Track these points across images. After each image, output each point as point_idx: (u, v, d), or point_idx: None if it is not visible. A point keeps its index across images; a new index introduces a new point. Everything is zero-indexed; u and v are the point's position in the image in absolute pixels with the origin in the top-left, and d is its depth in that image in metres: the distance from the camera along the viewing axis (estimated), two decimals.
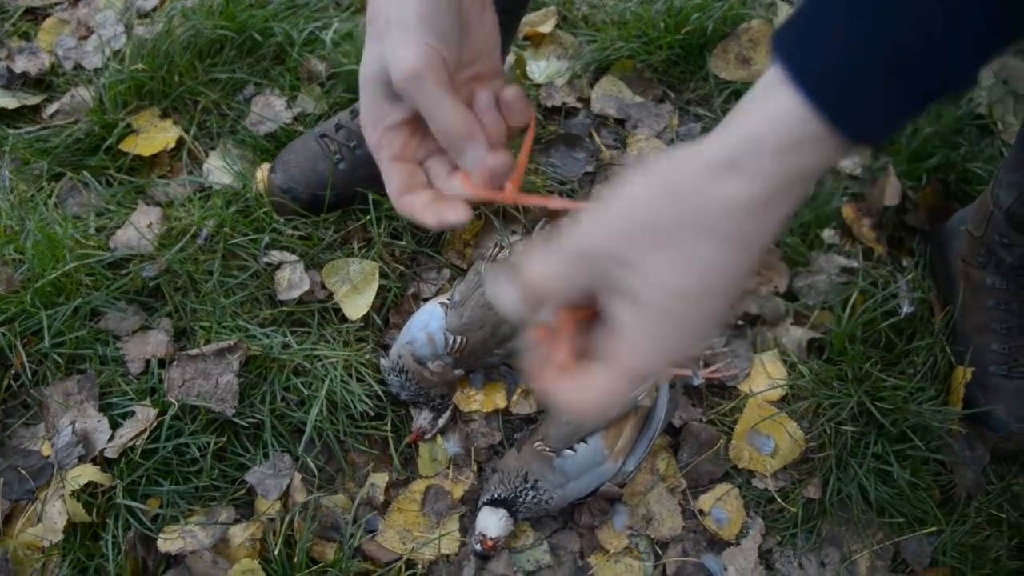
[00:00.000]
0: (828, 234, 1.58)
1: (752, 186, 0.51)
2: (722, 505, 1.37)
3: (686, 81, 1.86)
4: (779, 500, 1.35)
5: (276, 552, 1.20)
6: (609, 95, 1.82)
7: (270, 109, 1.67)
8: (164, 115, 1.66)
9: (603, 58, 1.84)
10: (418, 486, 1.34)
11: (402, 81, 0.64)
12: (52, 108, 1.67)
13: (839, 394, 1.38)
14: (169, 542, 1.19)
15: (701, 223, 0.52)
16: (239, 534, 1.23)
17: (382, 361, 1.37)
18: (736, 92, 1.81)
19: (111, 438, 1.26)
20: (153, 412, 1.26)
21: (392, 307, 1.48)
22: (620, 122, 1.79)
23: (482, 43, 0.71)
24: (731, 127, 0.52)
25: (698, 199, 0.52)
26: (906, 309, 1.49)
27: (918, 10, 0.46)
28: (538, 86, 1.79)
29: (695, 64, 1.85)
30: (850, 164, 1.71)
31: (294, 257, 1.45)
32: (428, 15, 0.64)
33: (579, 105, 1.80)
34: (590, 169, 1.70)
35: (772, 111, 0.50)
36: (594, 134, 1.76)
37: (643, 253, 0.53)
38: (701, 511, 1.36)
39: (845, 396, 1.37)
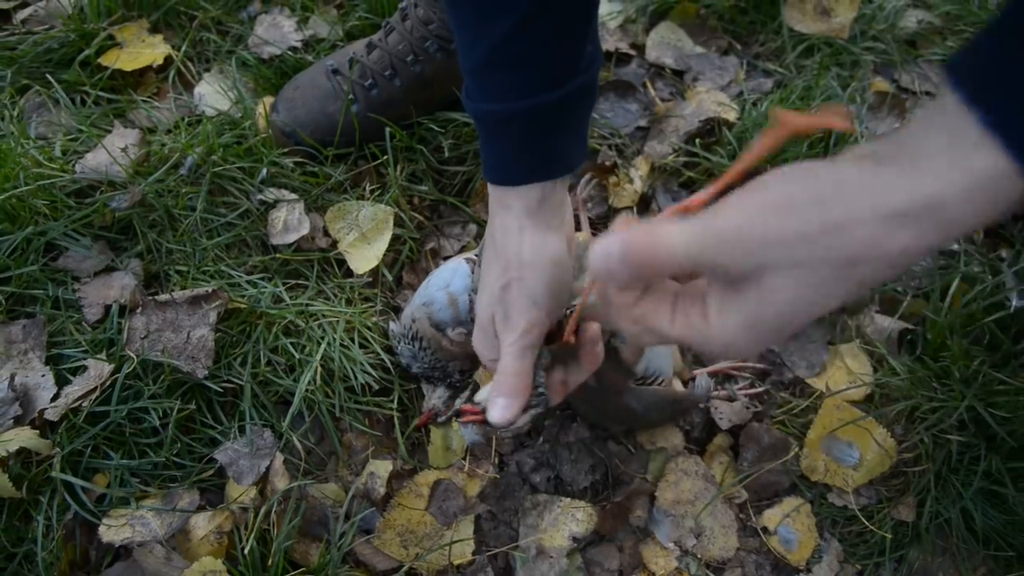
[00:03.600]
0: None
1: (920, 242, 0.49)
2: (791, 523, 1.13)
3: (755, 33, 1.62)
4: (863, 520, 1.11)
5: (246, 551, 0.96)
6: (667, 43, 1.58)
7: (277, 30, 1.44)
8: (154, 29, 1.43)
9: (661, 1, 1.60)
10: (426, 478, 1.10)
11: (507, 335, 0.78)
12: (25, 13, 1.43)
13: (942, 396, 1.14)
14: (113, 530, 0.95)
15: (849, 264, 0.50)
16: (202, 525, 0.99)
17: (392, 325, 1.13)
18: (812, 47, 1.57)
19: (55, 396, 1.03)
20: (108, 368, 1.02)
21: (407, 264, 1.24)
22: (678, 73, 1.55)
23: None
24: (913, 179, 0.48)
25: (862, 249, 0.49)
26: (1016, 303, 1.24)
27: None
28: None
29: (766, 13, 1.61)
30: None
31: (293, 196, 1.21)
32: (554, 285, 0.78)
33: (632, 52, 1.56)
34: (643, 123, 1.46)
35: (973, 177, 0.46)
36: (648, 84, 1.52)
37: (779, 271, 0.52)
38: (766, 529, 1.13)
39: (950, 399, 1.13)
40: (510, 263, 0.78)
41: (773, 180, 0.53)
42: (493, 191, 0.81)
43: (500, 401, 0.78)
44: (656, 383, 1.06)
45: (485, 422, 0.86)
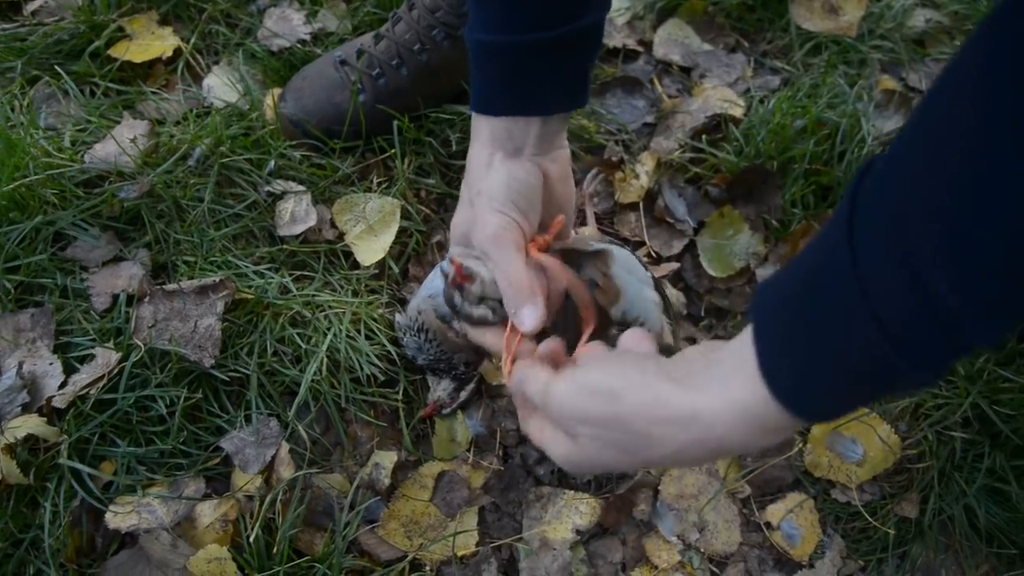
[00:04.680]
0: None
1: (698, 448, 0.60)
2: (794, 519, 1.13)
3: (763, 30, 1.62)
4: (866, 516, 1.11)
5: (251, 539, 0.96)
6: (674, 39, 1.58)
7: (286, 23, 1.44)
8: (163, 22, 1.43)
9: None
10: (430, 470, 1.10)
11: (482, 243, 0.78)
12: (35, 4, 1.44)
13: (946, 393, 1.14)
14: (120, 517, 0.96)
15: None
16: (208, 513, 1.00)
17: (398, 317, 1.14)
18: (820, 45, 1.57)
19: (63, 384, 1.03)
20: (115, 357, 1.03)
21: (413, 256, 1.25)
22: (686, 70, 1.55)
23: (557, 209, 0.85)
24: (694, 390, 0.58)
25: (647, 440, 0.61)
26: None
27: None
28: None
29: (774, 11, 1.61)
30: None
31: (300, 187, 1.21)
32: (514, 191, 0.77)
33: (640, 49, 1.56)
34: (650, 119, 1.46)
35: (735, 396, 0.56)
36: (656, 81, 1.52)
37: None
38: (769, 524, 1.13)
39: (955, 396, 1.13)
40: (473, 183, 0.80)
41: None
42: (473, 120, 0.81)
43: (524, 311, 0.76)
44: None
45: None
